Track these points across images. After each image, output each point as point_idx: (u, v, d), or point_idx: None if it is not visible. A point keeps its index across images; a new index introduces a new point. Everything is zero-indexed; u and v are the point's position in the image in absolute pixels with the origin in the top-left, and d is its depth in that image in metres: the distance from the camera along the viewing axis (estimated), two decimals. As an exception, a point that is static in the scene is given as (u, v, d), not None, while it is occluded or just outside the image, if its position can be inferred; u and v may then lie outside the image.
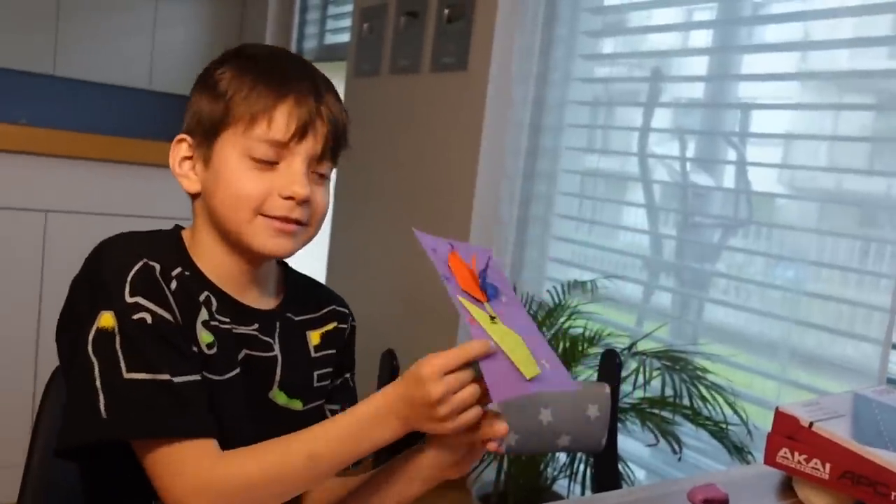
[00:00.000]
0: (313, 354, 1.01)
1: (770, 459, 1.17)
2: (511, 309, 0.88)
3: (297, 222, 0.90)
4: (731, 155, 2.45)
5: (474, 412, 0.80)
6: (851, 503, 1.13)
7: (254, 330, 0.94)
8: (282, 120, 0.88)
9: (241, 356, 0.92)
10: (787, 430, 1.15)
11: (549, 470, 2.28)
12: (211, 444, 0.83)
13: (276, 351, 0.96)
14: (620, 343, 2.25)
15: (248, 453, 0.83)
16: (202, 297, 0.90)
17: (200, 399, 0.84)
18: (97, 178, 2.33)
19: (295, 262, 1.05)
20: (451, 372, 0.78)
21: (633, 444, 2.32)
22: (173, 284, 0.87)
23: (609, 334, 2.35)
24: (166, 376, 0.82)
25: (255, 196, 0.88)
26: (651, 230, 2.60)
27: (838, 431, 1.11)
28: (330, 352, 1.03)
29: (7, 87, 4.43)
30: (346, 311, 1.08)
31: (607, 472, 1.58)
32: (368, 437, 0.82)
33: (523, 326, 0.86)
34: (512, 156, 2.75)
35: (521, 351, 0.82)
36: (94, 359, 0.82)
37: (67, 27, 4.54)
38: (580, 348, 2.23)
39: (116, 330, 0.82)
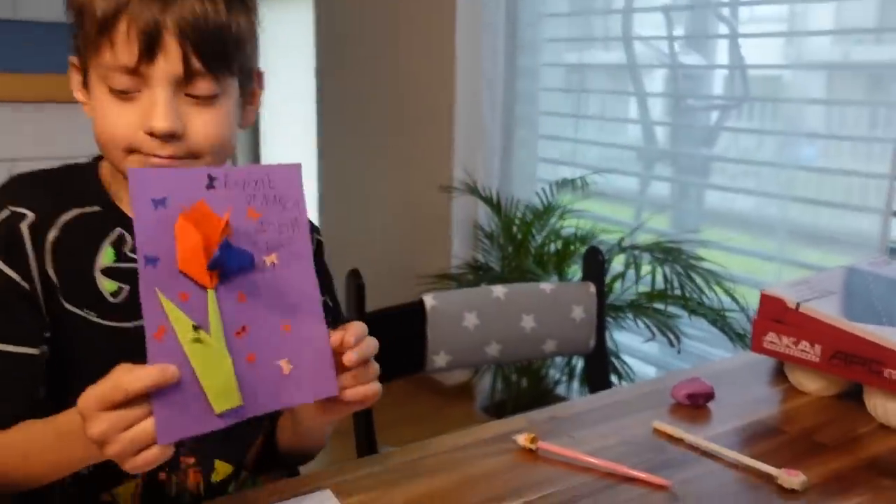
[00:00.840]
0: None
1: (757, 346, 1.10)
2: (262, 283, 0.70)
3: (172, 157, 0.77)
4: (723, 29, 2.30)
5: (156, 452, 0.63)
6: (844, 384, 1.07)
7: None
8: (122, 40, 0.73)
9: None
10: (774, 314, 1.07)
11: (552, 373, 2.25)
12: None
13: None
14: (616, 239, 2.16)
15: (3, 438, 0.76)
16: (113, 236, 0.82)
17: (14, 373, 0.77)
18: (64, 121, 2.24)
19: None
20: (119, 406, 0.62)
21: (636, 340, 2.27)
22: (53, 234, 0.80)
23: (603, 231, 2.27)
24: None
25: (121, 135, 0.76)
26: (642, 119, 2.47)
27: (827, 310, 1.03)
28: None
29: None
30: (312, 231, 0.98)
31: (598, 373, 1.52)
32: (70, 453, 0.71)
33: (266, 315, 0.70)
34: (489, 55, 2.61)
35: (221, 376, 0.66)
36: None
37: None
38: (572, 248, 2.16)
39: None
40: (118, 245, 0.82)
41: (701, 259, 1.94)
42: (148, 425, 0.63)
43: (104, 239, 0.82)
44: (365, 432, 1.25)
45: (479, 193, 2.32)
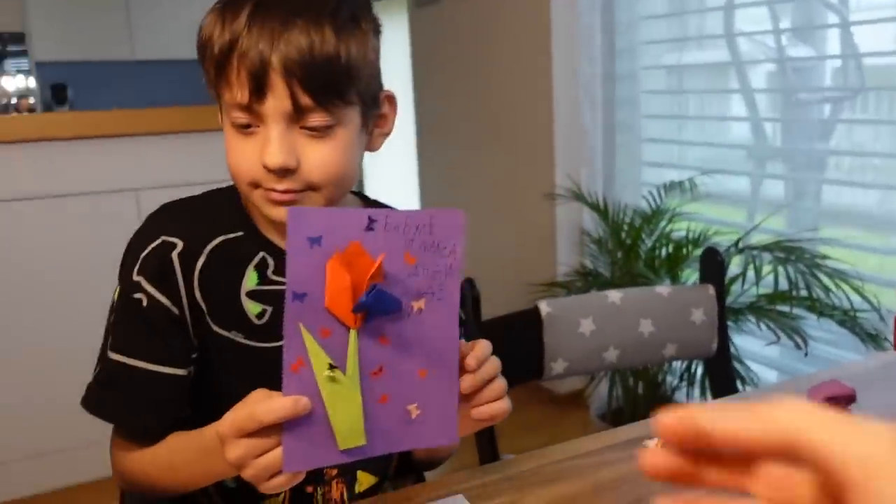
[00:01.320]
0: None
1: (900, 344, 1.04)
2: (406, 328, 0.70)
3: (289, 192, 0.77)
4: (832, 18, 2.19)
5: (286, 479, 0.67)
6: None
7: None
8: (235, 78, 0.74)
9: None
10: (918, 309, 1.01)
11: (669, 379, 2.19)
12: (144, 435, 0.83)
13: None
14: (729, 241, 2.09)
15: (146, 454, 0.82)
16: (256, 260, 0.85)
17: (165, 393, 0.82)
18: (181, 150, 2.37)
19: (387, 193, 0.97)
20: (254, 433, 0.66)
21: (759, 345, 2.18)
22: (201, 261, 0.83)
23: (715, 233, 2.20)
24: (140, 363, 0.81)
25: (244, 169, 0.78)
26: (751, 116, 2.38)
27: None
28: None
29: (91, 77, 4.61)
30: None
31: (721, 377, 1.47)
32: (212, 466, 0.75)
33: (404, 359, 0.70)
34: (586, 60, 2.58)
35: (350, 415, 0.68)
36: (107, 326, 0.85)
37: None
38: (684, 251, 2.10)
39: (115, 305, 0.84)
40: (261, 268, 0.85)
41: (826, 257, 1.84)
42: (278, 454, 0.66)
43: (248, 263, 0.84)
44: (488, 439, 1.26)
45: (585, 199, 2.30)
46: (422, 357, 0.71)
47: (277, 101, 0.74)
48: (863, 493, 0.29)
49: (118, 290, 0.84)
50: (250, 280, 0.84)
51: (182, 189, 0.92)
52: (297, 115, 0.75)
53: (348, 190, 0.85)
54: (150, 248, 0.82)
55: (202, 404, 0.86)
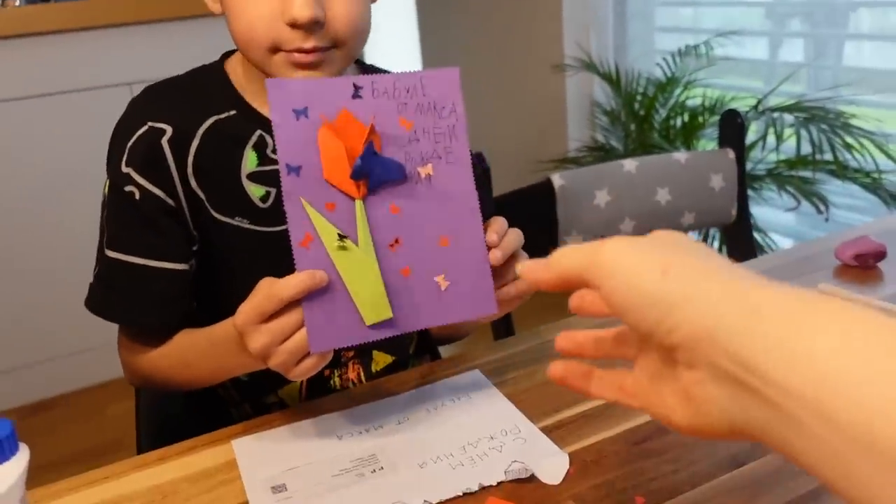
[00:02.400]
0: None
1: (935, 197, 0.99)
2: (417, 195, 0.67)
3: (316, 50, 0.71)
4: None
5: (314, 361, 0.64)
6: None
7: None
8: None
9: None
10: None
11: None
12: (150, 333, 0.80)
13: None
14: (747, 106, 2.00)
15: (156, 353, 0.80)
16: (253, 139, 0.79)
17: (167, 289, 0.78)
18: (177, 38, 2.26)
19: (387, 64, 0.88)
20: (274, 316, 0.63)
21: (773, 213, 2.13)
22: (194, 146, 0.77)
23: (733, 99, 2.11)
24: (138, 260, 0.77)
25: (262, 31, 0.71)
26: (770, -30, 2.23)
27: None
28: None
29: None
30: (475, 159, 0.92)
31: (742, 244, 1.43)
32: (226, 361, 0.73)
33: (422, 228, 0.66)
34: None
35: (370, 287, 0.64)
36: (101, 223, 0.81)
37: None
38: (700, 119, 2.02)
39: (106, 199, 0.79)
40: (260, 148, 0.79)
41: (852, 115, 1.76)
42: (303, 335, 0.63)
43: (245, 144, 0.79)
44: (503, 317, 1.24)
45: (597, 69, 2.20)
46: (441, 224, 0.67)
47: None
48: (607, 273, 0.38)
49: (107, 182, 0.79)
50: (250, 161, 0.78)
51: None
52: None
53: (362, 48, 0.79)
54: (136, 135, 0.76)
55: (209, 297, 0.83)
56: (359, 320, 0.64)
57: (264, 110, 0.79)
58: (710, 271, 0.35)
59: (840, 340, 0.29)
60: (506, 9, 2.72)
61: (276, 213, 0.79)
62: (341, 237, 0.64)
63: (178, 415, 0.97)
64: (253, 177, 0.79)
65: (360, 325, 0.64)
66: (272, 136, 0.76)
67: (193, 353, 0.77)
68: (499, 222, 0.70)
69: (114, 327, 0.84)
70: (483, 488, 0.62)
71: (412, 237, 0.66)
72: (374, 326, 0.64)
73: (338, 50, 0.74)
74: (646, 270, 0.36)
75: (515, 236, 0.70)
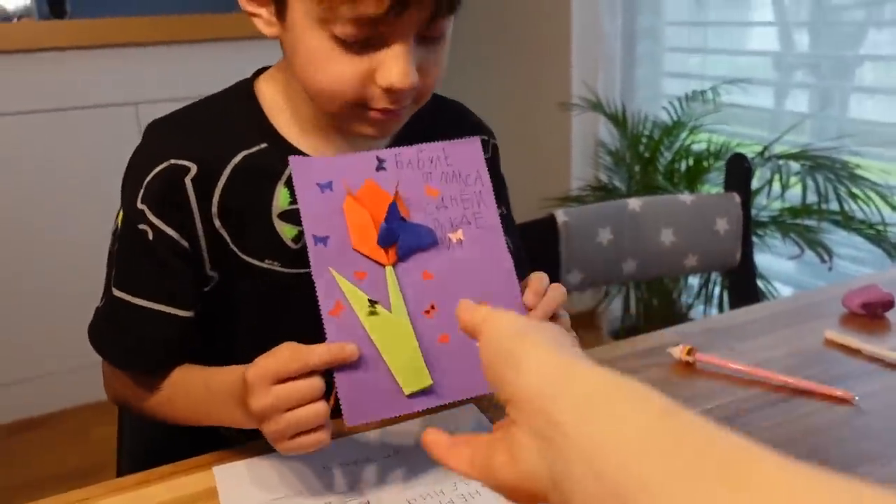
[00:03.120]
0: None
1: (945, 248, 0.97)
2: (450, 261, 0.65)
3: (400, 107, 0.68)
4: None
5: (317, 437, 0.60)
6: None
7: None
8: None
9: None
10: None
11: (683, 298, 2.14)
12: (146, 376, 0.76)
13: None
14: (753, 153, 2.00)
15: (148, 384, 0.76)
16: (286, 175, 0.72)
17: (168, 336, 0.73)
18: (185, 61, 2.27)
19: None
20: (289, 379, 0.59)
21: (775, 261, 2.11)
22: (221, 184, 0.72)
23: (738, 146, 2.10)
24: (143, 302, 0.72)
25: (348, 89, 0.66)
26: (778, 20, 2.25)
27: None
28: None
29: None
30: (483, 136, 0.83)
31: (744, 289, 1.41)
32: (215, 412, 0.69)
33: (458, 294, 0.61)
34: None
35: (406, 353, 0.61)
36: (110, 254, 0.76)
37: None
38: (705, 164, 2.01)
39: (118, 234, 0.74)
40: (293, 185, 0.72)
41: (857, 166, 1.75)
42: (320, 408, 0.59)
43: (277, 180, 0.72)
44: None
45: (603, 109, 2.20)
46: (476, 288, 0.65)
47: (421, 10, 0.62)
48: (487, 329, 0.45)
49: (121, 214, 0.74)
50: (282, 199, 0.72)
51: (186, 104, 0.78)
52: (428, 24, 0.65)
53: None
54: (155, 171, 0.70)
55: (224, 338, 0.78)
56: (397, 390, 0.61)
57: (298, 142, 0.74)
58: (560, 345, 0.40)
59: (618, 423, 0.33)
60: (515, 46, 2.74)
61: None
62: (372, 303, 0.62)
63: (163, 437, 0.94)
64: (284, 216, 0.73)
65: (398, 396, 0.61)
66: None
67: (184, 395, 0.73)
68: (537, 281, 0.66)
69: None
70: (473, 527, 0.59)
71: (448, 303, 0.63)
72: (414, 396, 0.61)
73: (414, 104, 0.71)
74: (509, 333, 0.42)
75: (556, 294, 0.66)
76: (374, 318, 0.61)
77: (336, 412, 0.60)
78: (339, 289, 0.61)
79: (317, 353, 0.58)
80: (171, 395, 0.74)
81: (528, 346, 0.40)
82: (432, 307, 0.63)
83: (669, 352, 0.87)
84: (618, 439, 0.32)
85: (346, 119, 0.69)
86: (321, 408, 0.59)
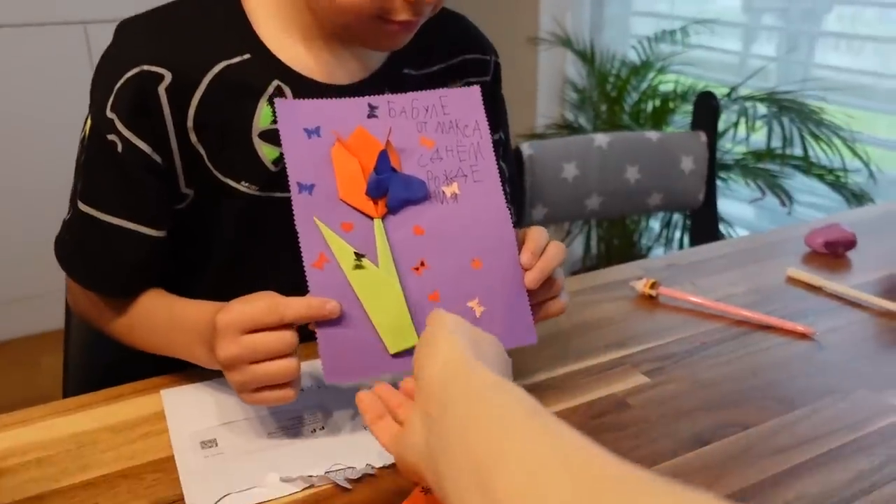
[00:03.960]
0: None
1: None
2: (443, 215, 0.61)
3: (417, 18, 0.63)
4: None
5: (283, 394, 0.56)
6: None
7: None
8: None
9: None
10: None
11: (643, 241, 2.14)
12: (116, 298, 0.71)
13: None
14: (720, 94, 1.98)
15: (111, 305, 0.71)
16: (269, 90, 0.67)
17: (137, 256, 0.68)
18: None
19: None
20: (259, 330, 0.55)
21: (736, 206, 2.12)
22: (198, 96, 0.66)
23: (706, 86, 2.09)
24: (111, 219, 0.67)
25: (372, 3, 0.61)
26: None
27: None
28: None
29: None
30: (484, 55, 0.80)
31: (706, 230, 1.41)
32: (180, 347, 0.65)
33: (450, 250, 0.61)
34: None
35: (392, 310, 0.58)
36: (77, 163, 0.70)
37: None
38: (671, 105, 1.99)
39: (86, 140, 0.68)
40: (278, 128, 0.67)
41: (822, 111, 1.75)
42: (289, 365, 0.55)
43: (260, 96, 0.67)
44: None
45: (572, 45, 2.15)
46: (471, 246, 0.61)
47: None
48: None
49: (89, 122, 0.68)
50: (263, 117, 0.67)
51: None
52: None
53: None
54: (125, 77, 0.64)
55: (194, 261, 0.73)
56: (381, 349, 0.57)
57: (284, 55, 0.68)
58: (481, 344, 0.49)
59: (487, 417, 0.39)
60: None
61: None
62: (358, 256, 0.58)
63: (110, 365, 0.90)
64: (265, 136, 0.67)
65: (382, 355, 0.57)
66: (292, 88, 0.67)
67: (147, 323, 0.69)
68: (535, 238, 0.63)
69: (54, 275, 0.75)
70: (430, 454, 0.58)
71: (440, 260, 0.60)
72: (399, 356, 0.58)
73: (431, 12, 0.66)
74: (443, 325, 0.48)
75: (554, 253, 0.63)
76: (360, 273, 0.58)
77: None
78: (324, 240, 0.58)
79: (294, 308, 0.55)
80: (134, 321, 0.70)
81: (442, 340, 0.46)
82: (422, 264, 0.60)
83: (632, 285, 0.86)
84: (489, 425, 0.38)
85: (362, 32, 0.64)
86: (290, 365, 0.55)
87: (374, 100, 0.63)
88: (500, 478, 0.34)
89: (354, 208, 0.60)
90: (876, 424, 0.62)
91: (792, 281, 0.88)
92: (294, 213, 0.58)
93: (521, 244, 0.63)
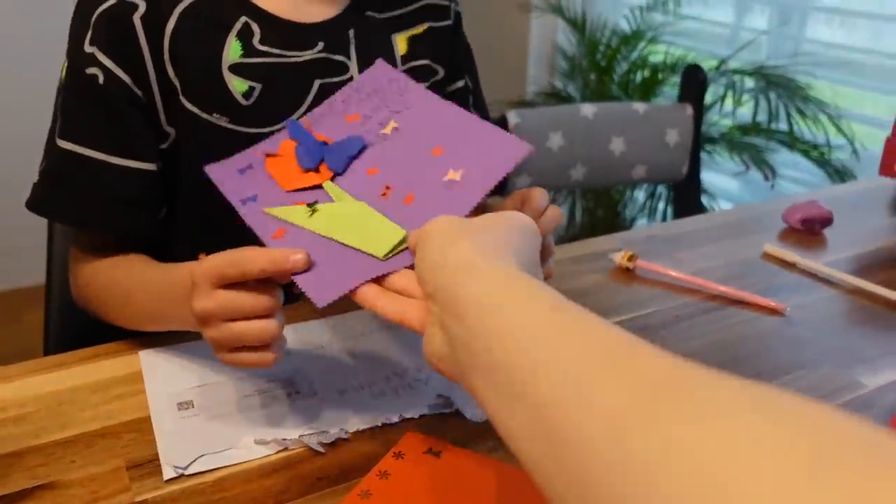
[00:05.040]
0: (399, 67, 0.76)
1: (887, 169, 0.98)
2: (390, 147, 0.60)
3: None
4: None
5: (259, 357, 0.53)
6: None
7: (319, 52, 0.72)
8: None
9: (312, 89, 0.72)
10: (913, 132, 0.94)
11: (627, 212, 2.15)
12: (106, 242, 0.70)
13: (352, 71, 0.73)
14: (709, 67, 1.98)
15: (101, 273, 0.69)
16: (237, 27, 0.69)
17: (129, 190, 0.67)
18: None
19: None
20: (232, 285, 0.52)
21: (719, 178, 2.13)
22: (170, 27, 0.67)
23: (694, 59, 2.08)
24: (97, 154, 0.66)
25: None
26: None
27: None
28: (422, 62, 0.78)
29: None
30: (444, 1, 0.81)
31: (689, 203, 1.42)
32: (172, 308, 0.61)
33: (409, 162, 0.58)
34: None
35: (365, 223, 0.54)
36: (54, 112, 0.70)
37: None
38: (660, 76, 1.99)
39: (63, 84, 0.68)
40: (245, 37, 0.69)
41: (809, 87, 1.75)
42: (266, 326, 0.52)
43: (228, 30, 0.69)
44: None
45: (563, 13, 2.14)
46: (429, 146, 0.58)
47: None
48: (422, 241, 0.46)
49: (66, 65, 0.68)
50: (233, 51, 0.69)
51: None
52: None
53: None
54: (102, 8, 0.65)
55: (172, 206, 0.73)
56: (368, 259, 0.52)
57: None
58: (482, 252, 0.42)
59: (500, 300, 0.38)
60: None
61: (259, 111, 0.70)
62: (310, 205, 0.57)
63: (91, 323, 0.90)
64: (235, 69, 0.69)
65: (371, 262, 0.52)
66: (259, 25, 0.69)
67: (140, 286, 0.67)
68: (536, 198, 0.58)
69: (38, 230, 0.73)
70: (404, 420, 0.59)
71: (403, 175, 0.58)
72: (390, 258, 0.52)
73: None
74: (438, 245, 0.44)
75: (552, 216, 0.59)
76: (317, 215, 0.56)
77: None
78: (278, 219, 0.57)
79: (256, 262, 0.51)
80: (128, 287, 0.67)
81: (440, 244, 0.44)
82: (387, 188, 0.58)
83: (611, 257, 0.86)
84: (513, 331, 0.35)
85: None
86: (267, 326, 0.53)
87: (294, 129, 0.64)
88: (541, 391, 0.32)
89: (302, 190, 0.59)
90: (839, 399, 0.64)
91: (768, 257, 0.89)
92: (245, 221, 0.57)
93: (520, 203, 0.59)
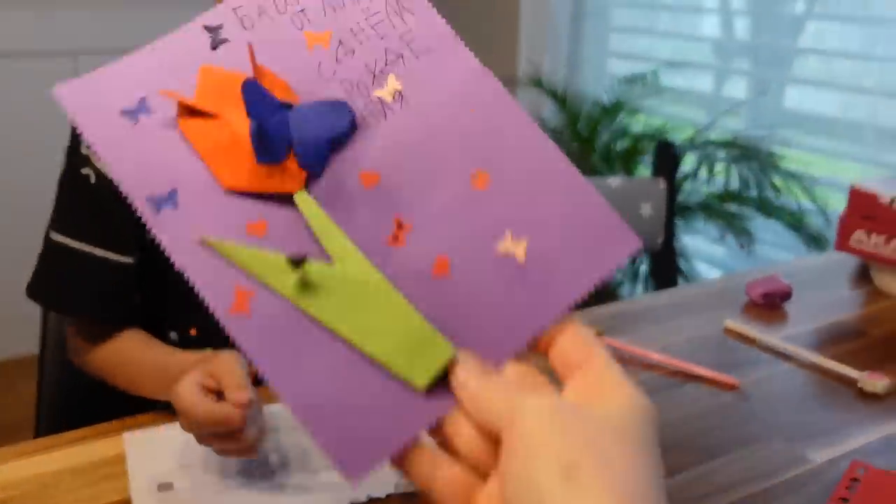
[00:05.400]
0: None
1: (842, 244, 1.03)
2: (392, 135, 0.36)
3: None
4: None
5: (236, 450, 0.62)
6: (937, 287, 1.00)
7: None
8: None
9: None
10: (864, 210, 1.00)
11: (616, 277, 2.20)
12: (98, 327, 0.77)
13: None
14: (686, 137, 2.05)
15: (102, 353, 0.77)
16: None
17: (107, 282, 0.75)
18: (126, 12, 2.20)
19: None
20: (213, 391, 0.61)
21: (704, 243, 2.19)
22: None
23: (674, 129, 2.16)
24: (82, 246, 0.74)
25: None
26: (721, 7, 2.30)
27: (925, 207, 0.94)
28: None
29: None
30: None
31: (665, 272, 1.47)
32: (162, 392, 0.70)
33: (428, 180, 0.35)
34: (559, -62, 2.44)
35: (391, 316, 0.32)
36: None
37: None
38: (640, 146, 2.06)
39: (59, 178, 0.76)
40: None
41: (781, 157, 1.82)
42: (232, 446, 0.61)
43: None
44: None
45: (543, 85, 2.22)
46: (460, 156, 0.35)
47: None
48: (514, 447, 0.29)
49: (64, 164, 0.76)
50: None
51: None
52: None
53: None
54: None
55: (163, 287, 0.80)
56: (401, 391, 0.31)
57: None
58: (607, 487, 0.28)
59: None
60: (464, 20, 2.73)
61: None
62: (295, 262, 0.32)
63: (82, 394, 0.95)
64: None
65: (407, 398, 0.31)
66: None
67: (138, 369, 0.75)
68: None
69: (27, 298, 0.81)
70: (371, 500, 0.62)
71: (422, 204, 0.35)
72: (434, 391, 0.31)
73: None
74: (548, 466, 0.28)
75: None
76: (310, 288, 0.33)
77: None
78: (232, 266, 0.33)
79: (206, 420, 0.59)
80: (132, 375, 0.76)
81: (577, 489, 0.28)
82: (399, 226, 0.34)
83: (578, 334, 0.90)
84: None
85: None
86: (231, 446, 0.60)
87: (211, 16, 0.37)
88: None
89: (255, 194, 0.34)
90: (785, 474, 0.67)
91: (729, 332, 0.93)
92: (164, 246, 0.33)
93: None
